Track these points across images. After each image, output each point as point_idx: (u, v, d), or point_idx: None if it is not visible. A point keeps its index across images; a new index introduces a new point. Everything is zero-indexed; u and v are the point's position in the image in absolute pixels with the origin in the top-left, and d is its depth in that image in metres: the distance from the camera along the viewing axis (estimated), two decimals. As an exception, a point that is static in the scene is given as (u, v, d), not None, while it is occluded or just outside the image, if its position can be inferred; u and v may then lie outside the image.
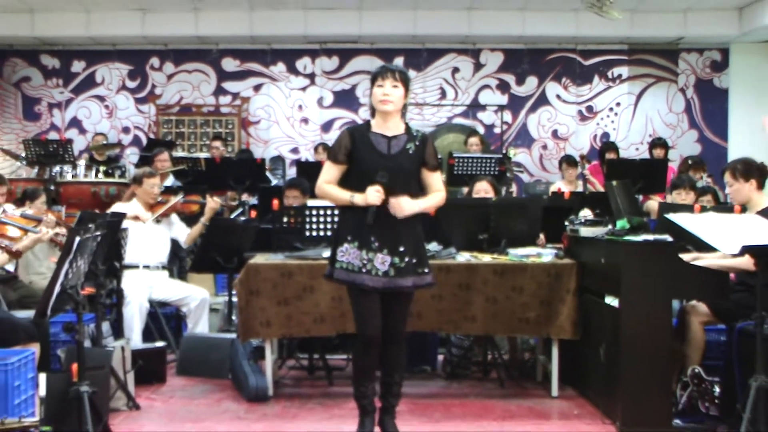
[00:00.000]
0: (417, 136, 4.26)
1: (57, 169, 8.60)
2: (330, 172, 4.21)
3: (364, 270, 4.08)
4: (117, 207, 6.67)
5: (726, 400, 4.58)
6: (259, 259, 5.27)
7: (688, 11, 10.73)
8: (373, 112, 4.27)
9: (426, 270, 4.22)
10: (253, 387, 5.17)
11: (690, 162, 8.74)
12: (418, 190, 4.24)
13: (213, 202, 6.77)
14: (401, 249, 4.12)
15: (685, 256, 4.46)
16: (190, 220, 7.01)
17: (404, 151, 4.19)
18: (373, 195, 4.04)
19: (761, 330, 4.15)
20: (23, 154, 9.13)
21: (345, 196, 4.12)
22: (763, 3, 10.11)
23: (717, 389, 4.68)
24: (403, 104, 4.21)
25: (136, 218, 6.31)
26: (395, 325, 4.21)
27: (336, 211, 5.04)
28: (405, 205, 4.08)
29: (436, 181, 4.30)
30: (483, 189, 6.10)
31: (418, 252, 4.20)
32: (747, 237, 4.15)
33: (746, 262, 4.23)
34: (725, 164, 11.21)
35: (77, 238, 3.91)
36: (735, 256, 4.19)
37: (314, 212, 5.53)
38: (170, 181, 8.42)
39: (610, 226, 5.10)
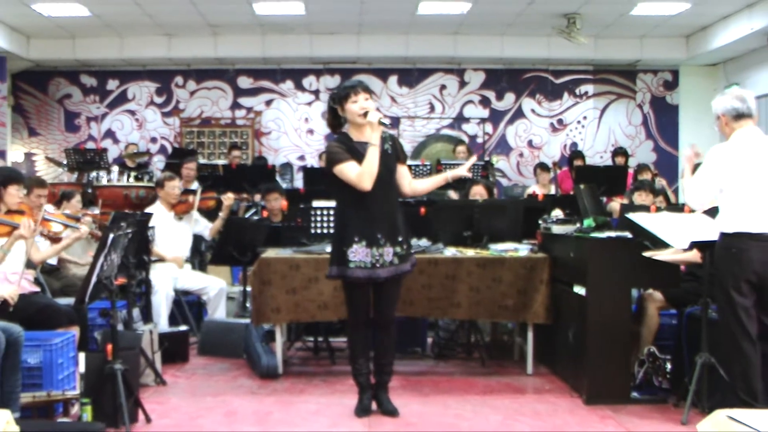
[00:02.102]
0: (387, 137, 4.25)
1: (94, 174, 8.60)
2: (353, 166, 4.07)
3: (378, 264, 4.10)
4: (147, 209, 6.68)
5: (676, 375, 4.62)
6: (270, 253, 5.27)
7: (643, 38, 10.79)
8: (334, 126, 4.25)
9: (412, 251, 4.32)
10: (265, 365, 5.18)
11: (638, 166, 8.85)
12: (395, 184, 4.28)
13: (227, 199, 6.79)
14: (399, 239, 4.16)
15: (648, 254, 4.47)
16: (208, 215, 7.02)
17: (385, 152, 4.19)
18: (374, 112, 4.04)
19: (706, 314, 4.20)
20: (65, 162, 9.13)
21: (370, 155, 4.03)
22: (705, 32, 10.25)
23: (669, 366, 4.71)
24: None
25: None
26: (387, 309, 4.25)
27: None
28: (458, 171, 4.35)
29: (407, 172, 4.35)
30: (478, 192, 6.16)
31: (407, 238, 4.27)
32: (695, 233, 4.19)
33: (693, 255, 4.27)
34: (677, 170, 11.32)
35: (111, 235, 3.92)
36: (685, 250, 4.23)
37: (318, 212, 5.52)
38: (194, 184, 8.40)
39: (578, 225, 5.10)
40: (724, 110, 4.03)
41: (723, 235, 3.98)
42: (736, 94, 4.05)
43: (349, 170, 4.07)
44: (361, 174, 4.05)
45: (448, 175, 4.29)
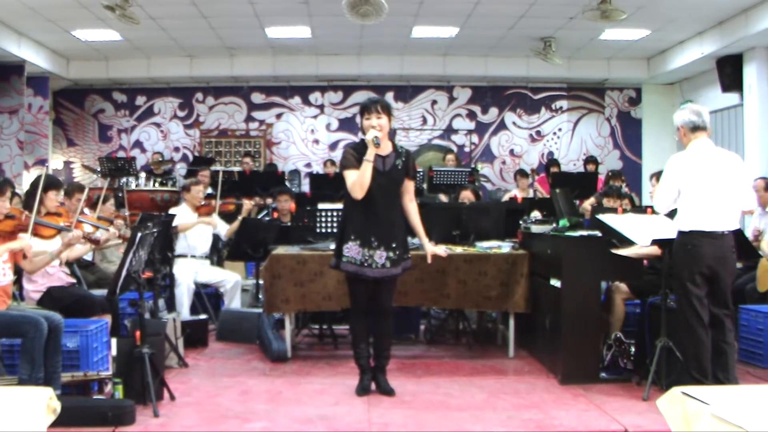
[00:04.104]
0: (402, 152, 4.23)
1: (124, 180, 8.60)
2: (354, 174, 4.06)
3: (365, 264, 4.09)
4: (171, 210, 6.68)
5: (639, 357, 4.63)
6: (280, 250, 5.27)
7: (611, 59, 10.84)
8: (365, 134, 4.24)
9: (408, 256, 4.27)
10: (275, 350, 5.18)
11: (611, 174, 8.85)
12: (401, 195, 4.25)
13: (248, 204, 6.81)
14: (393, 245, 4.13)
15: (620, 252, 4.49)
16: (227, 217, 7.03)
17: (394, 166, 4.17)
18: (372, 132, 4.01)
19: (665, 303, 4.22)
20: (98, 169, 9.14)
21: (362, 168, 4.00)
22: (663, 56, 10.34)
23: (633, 349, 4.72)
24: (389, 127, 4.16)
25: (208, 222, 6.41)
26: (385, 302, 4.26)
27: (339, 213, 5.05)
28: (435, 250, 4.34)
29: (411, 188, 4.29)
30: (467, 196, 6.18)
31: (404, 244, 4.23)
32: (656, 232, 4.22)
33: (654, 250, 4.30)
34: (640, 176, 11.39)
35: (139, 234, 3.93)
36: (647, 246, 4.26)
37: (323, 214, 5.53)
38: (209, 189, 8.40)
39: (554, 225, 5.11)
40: (683, 122, 4.05)
41: (680, 233, 4.01)
42: (693, 109, 4.08)
43: (349, 177, 4.09)
44: (353, 183, 4.05)
45: (427, 246, 4.31)
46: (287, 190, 7.26)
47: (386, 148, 4.16)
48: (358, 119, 4.32)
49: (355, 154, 4.12)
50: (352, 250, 4.11)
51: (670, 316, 4.21)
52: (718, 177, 3.93)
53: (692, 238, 3.91)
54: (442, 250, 4.45)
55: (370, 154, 4.03)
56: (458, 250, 5.26)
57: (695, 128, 4.02)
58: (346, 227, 4.17)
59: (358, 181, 4.03)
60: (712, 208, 3.91)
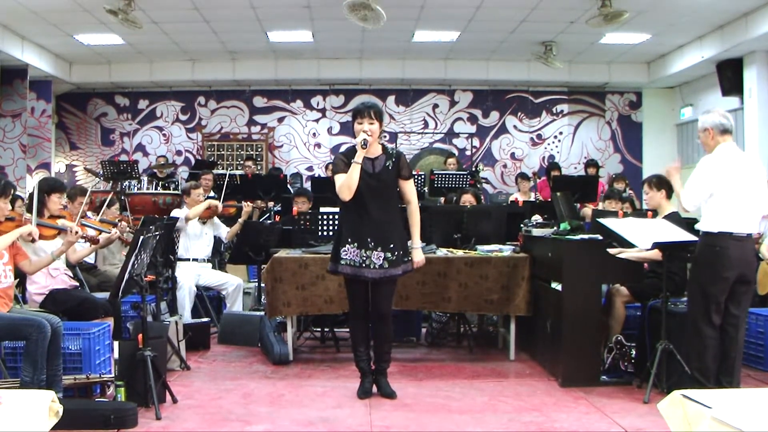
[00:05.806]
0: (392, 153, 4.23)
1: (126, 183, 8.61)
2: (342, 178, 4.09)
3: (363, 265, 4.10)
4: (173, 212, 6.68)
5: (640, 360, 4.63)
6: (282, 253, 5.26)
7: (611, 63, 10.86)
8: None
9: (408, 258, 4.25)
10: (277, 353, 5.17)
11: (614, 176, 8.85)
12: (397, 196, 4.23)
13: (247, 206, 6.80)
14: (391, 246, 4.13)
15: (612, 251, 4.49)
16: (229, 220, 7.03)
17: (385, 168, 4.18)
18: (362, 135, 4.03)
19: (665, 307, 4.22)
20: (101, 172, 9.14)
21: (350, 170, 4.02)
22: (663, 60, 10.34)
23: (633, 352, 4.71)
24: (380, 132, 4.17)
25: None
26: (383, 305, 4.24)
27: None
28: (420, 258, 4.26)
29: (410, 189, 4.27)
30: (468, 199, 6.18)
31: (403, 245, 4.22)
32: (656, 236, 4.22)
33: (655, 253, 4.30)
34: (641, 180, 11.43)
35: (141, 237, 3.93)
36: (648, 250, 4.26)
37: (324, 217, 5.54)
38: (211, 193, 8.40)
39: (555, 228, 5.11)
40: (713, 124, 4.04)
41: (707, 234, 3.99)
42: (721, 112, 4.08)
43: (338, 180, 4.11)
44: (341, 185, 4.06)
45: (414, 252, 4.26)
46: (306, 193, 7.26)
47: (375, 151, 4.18)
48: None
49: (345, 159, 4.15)
50: (350, 252, 4.12)
51: (671, 318, 4.21)
52: (746, 180, 3.95)
53: (720, 239, 3.91)
54: (420, 257, 4.32)
55: (358, 156, 4.06)
56: (459, 253, 5.25)
57: (724, 131, 4.02)
58: (343, 231, 4.19)
59: (346, 182, 4.05)
60: (740, 210, 3.92)
